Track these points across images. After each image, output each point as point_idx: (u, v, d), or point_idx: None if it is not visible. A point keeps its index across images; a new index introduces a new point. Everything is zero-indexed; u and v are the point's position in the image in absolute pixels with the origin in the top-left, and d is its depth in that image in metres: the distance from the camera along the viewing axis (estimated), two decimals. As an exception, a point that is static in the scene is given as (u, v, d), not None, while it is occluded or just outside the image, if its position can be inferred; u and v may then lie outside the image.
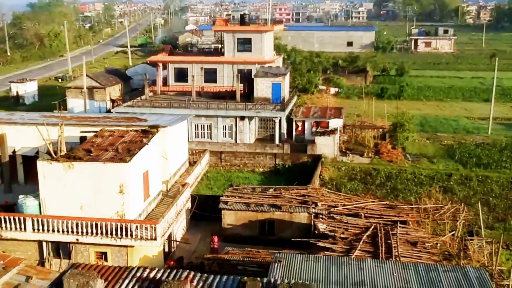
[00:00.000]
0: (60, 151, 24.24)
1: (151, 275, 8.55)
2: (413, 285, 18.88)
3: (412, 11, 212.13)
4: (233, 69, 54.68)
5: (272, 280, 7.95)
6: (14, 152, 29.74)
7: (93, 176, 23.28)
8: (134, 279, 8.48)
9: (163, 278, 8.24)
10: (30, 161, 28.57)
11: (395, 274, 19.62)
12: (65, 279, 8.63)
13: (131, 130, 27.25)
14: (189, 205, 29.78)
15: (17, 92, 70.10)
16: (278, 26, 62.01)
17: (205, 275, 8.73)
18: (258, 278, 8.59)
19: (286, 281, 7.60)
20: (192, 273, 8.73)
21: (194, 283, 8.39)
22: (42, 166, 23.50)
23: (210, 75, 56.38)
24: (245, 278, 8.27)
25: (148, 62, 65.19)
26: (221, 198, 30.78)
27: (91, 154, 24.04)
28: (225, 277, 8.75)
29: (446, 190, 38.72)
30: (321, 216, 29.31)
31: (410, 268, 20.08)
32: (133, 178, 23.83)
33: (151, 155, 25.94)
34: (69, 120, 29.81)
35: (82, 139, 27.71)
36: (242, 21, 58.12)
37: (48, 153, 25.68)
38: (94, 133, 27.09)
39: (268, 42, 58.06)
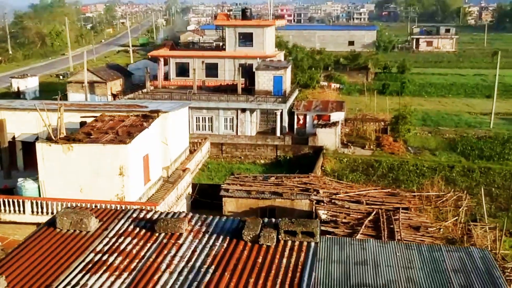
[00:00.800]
0: (60, 133, 24.06)
1: (148, 216, 8.31)
2: (416, 265, 18.62)
3: (413, 12, 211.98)
4: (234, 64, 54.56)
5: (273, 220, 7.76)
6: (13, 138, 29.56)
7: (93, 158, 23.09)
8: (130, 219, 8.25)
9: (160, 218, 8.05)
10: (29, 147, 28.37)
11: (398, 254, 19.38)
12: (58, 216, 8.38)
13: (131, 115, 27.07)
14: (189, 190, 29.60)
15: (18, 88, 70.02)
16: (279, 21, 61.87)
17: (204, 215, 8.53)
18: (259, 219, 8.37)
19: (287, 218, 7.42)
20: (191, 214, 8.51)
21: (193, 222, 8.15)
22: (41, 148, 23.33)
23: (211, 70, 56.31)
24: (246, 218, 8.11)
25: (150, 57, 65.07)
26: (222, 185, 30.61)
27: (91, 137, 23.86)
28: (225, 218, 8.52)
29: (449, 181, 38.43)
30: (322, 203, 29.10)
31: (413, 248, 19.81)
32: (133, 160, 23.65)
33: (151, 139, 25.77)
34: (69, 106, 29.64)
35: (82, 124, 27.53)
36: (244, 15, 58.03)
37: (48, 138, 25.49)
38: (94, 118, 26.93)
39: (270, 37, 57.94)
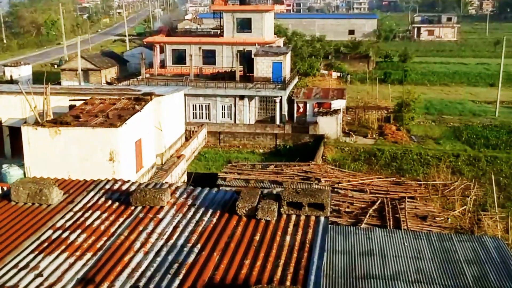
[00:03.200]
0: (47, 116, 22.67)
1: (123, 187, 6.97)
2: (426, 255, 17.33)
3: (413, 2, 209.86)
4: (233, 50, 53.08)
5: (275, 191, 6.47)
6: (0, 123, 28.15)
7: (82, 142, 21.70)
8: (102, 191, 6.92)
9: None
10: (17, 133, 26.96)
11: (406, 244, 18.11)
12: (13, 187, 7.02)
13: (123, 98, 25.65)
14: (184, 178, 28.25)
15: (11, 76, 68.33)
16: (279, 6, 60.24)
17: (191, 187, 7.21)
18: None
19: (292, 187, 6.27)
20: (175, 185, 7.20)
21: (177, 195, 6.78)
22: (27, 132, 21.92)
23: (209, 57, 54.86)
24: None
25: (145, 43, 63.50)
26: (219, 174, 29.36)
27: (80, 120, 22.45)
28: (216, 189, 7.16)
29: (454, 171, 37.15)
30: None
31: (422, 237, 18.50)
32: (124, 145, 22.27)
33: (144, 123, 24.37)
34: (58, 90, 28.21)
35: (72, 108, 26.10)
36: (242, 0, 56.40)
37: (35, 123, 24.09)
38: (84, 101, 25.51)
39: (269, 23, 56.41)
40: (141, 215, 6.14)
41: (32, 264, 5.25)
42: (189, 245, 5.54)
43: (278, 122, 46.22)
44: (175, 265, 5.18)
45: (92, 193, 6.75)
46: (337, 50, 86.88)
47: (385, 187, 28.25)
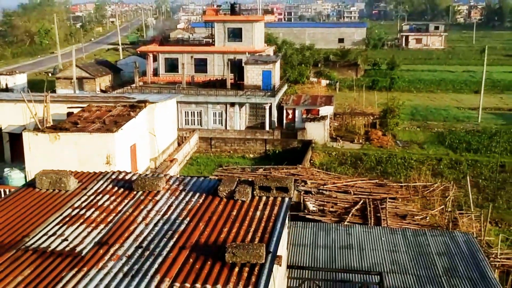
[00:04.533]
0: (46, 123, 23.99)
1: (127, 177, 8.42)
2: (401, 249, 18.79)
3: (403, 11, 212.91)
4: (224, 59, 54.59)
5: (250, 179, 7.86)
6: (0, 129, 29.42)
7: (80, 147, 23.05)
8: (109, 180, 8.35)
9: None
10: (17, 139, 28.25)
11: (383, 238, 19.54)
12: (37, 176, 8.49)
13: (118, 105, 27.03)
14: (177, 182, 29.59)
15: (6, 85, 69.41)
16: (268, 16, 61.95)
17: (183, 176, 8.60)
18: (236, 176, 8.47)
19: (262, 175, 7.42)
20: (169, 175, 8.60)
21: (170, 182, 8.24)
22: (28, 137, 23.26)
23: (201, 65, 56.32)
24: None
25: (139, 52, 64.91)
26: (209, 177, 30.75)
27: (78, 126, 23.81)
28: (203, 178, 8.62)
29: (436, 174, 38.72)
30: (311, 194, 29.22)
31: (398, 233, 19.99)
32: (120, 149, 23.63)
33: (138, 129, 25.75)
34: (56, 97, 29.54)
35: (69, 115, 27.45)
36: (233, 11, 58.01)
37: (36, 128, 25.42)
38: (81, 108, 26.86)
39: (259, 32, 58.02)
40: (141, 198, 7.59)
41: (58, 233, 6.64)
42: (180, 218, 6.98)
43: (267, 128, 47.69)
44: (169, 232, 6.61)
45: (101, 182, 8.16)
46: (327, 58, 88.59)
47: (368, 189, 29.75)
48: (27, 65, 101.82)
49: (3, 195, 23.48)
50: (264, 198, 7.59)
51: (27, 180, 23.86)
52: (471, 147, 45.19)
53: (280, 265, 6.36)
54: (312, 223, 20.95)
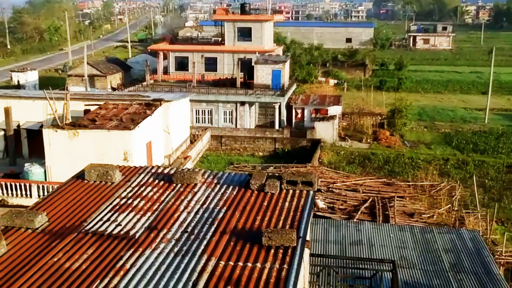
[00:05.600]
0: (65, 120, 24.77)
1: (165, 171, 9.18)
2: (409, 245, 19.46)
3: (411, 11, 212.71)
4: (233, 58, 55.23)
5: (277, 173, 8.55)
6: (18, 126, 30.23)
7: (98, 143, 23.80)
8: (150, 174, 9.10)
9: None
10: (34, 135, 29.06)
11: (391, 235, 20.21)
12: (86, 169, 9.25)
13: (134, 103, 27.79)
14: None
15: (18, 82, 70.40)
16: (278, 15, 62.55)
17: (216, 171, 9.34)
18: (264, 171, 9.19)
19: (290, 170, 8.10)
20: (204, 170, 9.33)
21: (205, 176, 8.99)
22: (48, 134, 24.03)
23: (211, 64, 56.97)
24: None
25: (149, 50, 65.71)
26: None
27: (96, 123, 24.58)
28: (234, 173, 9.36)
29: (443, 174, 39.28)
30: (321, 192, 29.89)
31: (406, 230, 20.67)
32: (137, 146, 24.38)
33: (154, 126, 26.50)
34: (73, 95, 30.33)
35: (86, 112, 28.22)
36: (243, 10, 58.65)
37: (55, 124, 26.20)
38: (98, 106, 27.64)
39: (268, 32, 58.63)
40: (181, 189, 8.37)
41: (112, 219, 7.42)
42: (218, 207, 7.76)
43: (277, 127, 48.38)
44: (210, 219, 7.38)
45: (142, 175, 8.93)
46: (335, 58, 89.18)
47: (376, 187, 30.41)
48: (36, 61, 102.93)
49: (23, 190, 24.37)
50: (291, 191, 8.34)
51: (47, 175, 24.71)
52: (478, 148, 45.74)
53: (309, 249, 7.07)
54: (323, 220, 21.65)
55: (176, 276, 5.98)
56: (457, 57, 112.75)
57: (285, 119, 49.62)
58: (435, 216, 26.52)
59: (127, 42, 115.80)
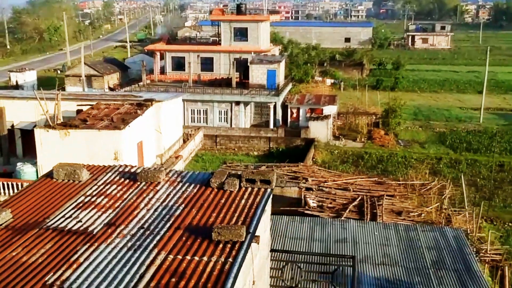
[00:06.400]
0: (57, 120, 25.11)
1: (132, 170, 9.52)
2: (393, 242, 19.76)
3: (411, 10, 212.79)
4: (230, 58, 55.58)
5: (238, 172, 8.92)
6: (12, 126, 30.59)
7: (89, 143, 24.12)
8: (117, 172, 9.43)
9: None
10: (28, 135, 29.41)
11: (376, 233, 20.51)
12: (54, 168, 9.58)
13: (126, 104, 28.13)
14: (182, 177, 30.65)
15: (16, 82, 70.79)
16: (274, 16, 62.87)
17: (181, 170, 9.66)
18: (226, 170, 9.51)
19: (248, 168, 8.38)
20: (169, 169, 9.65)
21: (170, 174, 9.32)
22: (40, 134, 24.36)
23: (207, 64, 57.36)
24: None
25: (146, 51, 66.07)
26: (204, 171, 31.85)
27: (87, 123, 24.91)
28: (198, 171, 9.71)
29: (436, 172, 39.57)
30: (312, 191, 30.16)
31: (390, 228, 20.97)
32: (127, 146, 24.69)
33: (145, 126, 26.82)
34: (66, 95, 30.67)
35: (79, 112, 28.56)
36: (239, 10, 59.00)
37: (47, 124, 26.52)
38: (90, 106, 27.97)
39: (264, 32, 58.95)
40: (144, 187, 8.74)
41: (73, 216, 7.77)
42: (177, 205, 8.13)
43: (272, 126, 48.70)
44: (167, 216, 7.75)
45: (110, 174, 9.28)
46: (333, 57, 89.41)
47: (367, 186, 30.66)
48: (36, 61, 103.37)
49: (15, 189, 24.71)
50: (249, 189, 8.65)
51: (39, 174, 25.03)
52: (471, 147, 45.99)
53: (258, 243, 7.39)
54: (309, 218, 21.95)
55: (125, 269, 6.33)
56: (455, 56, 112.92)
57: (280, 118, 49.93)
58: (423, 215, 26.78)
59: (127, 42, 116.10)
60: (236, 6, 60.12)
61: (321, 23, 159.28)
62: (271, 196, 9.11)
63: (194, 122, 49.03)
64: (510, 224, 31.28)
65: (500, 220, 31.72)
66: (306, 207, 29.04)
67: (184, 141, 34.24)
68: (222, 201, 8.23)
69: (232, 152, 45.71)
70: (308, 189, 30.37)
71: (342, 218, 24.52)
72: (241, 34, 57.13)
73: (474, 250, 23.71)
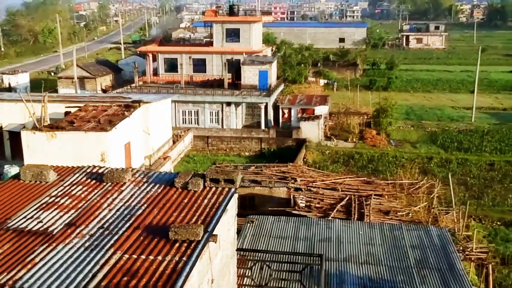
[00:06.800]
0: (44, 122, 25.10)
1: (100, 171, 9.58)
2: (377, 241, 19.82)
3: (406, 10, 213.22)
4: (222, 59, 55.62)
5: (204, 172, 8.97)
6: (1, 128, 30.54)
7: (75, 145, 24.08)
8: (84, 173, 9.49)
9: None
10: (17, 137, 29.34)
11: (361, 232, 20.57)
12: (21, 170, 9.62)
13: (114, 105, 28.12)
14: (171, 178, 30.66)
15: (9, 84, 70.68)
16: (266, 17, 62.94)
17: (148, 171, 9.73)
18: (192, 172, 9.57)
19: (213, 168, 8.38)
20: (136, 169, 9.71)
21: (136, 175, 9.37)
22: (26, 136, 24.31)
23: (200, 65, 57.42)
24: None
25: (139, 52, 66.10)
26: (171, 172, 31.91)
27: (74, 125, 24.90)
28: (165, 172, 9.77)
29: (426, 172, 39.70)
30: (301, 191, 30.21)
31: (375, 227, 21.03)
32: (114, 148, 24.68)
33: (132, 127, 26.80)
34: (55, 97, 30.68)
35: (67, 114, 28.54)
36: (231, 11, 59.07)
37: (33, 127, 26.50)
38: (78, 108, 27.96)
39: (257, 33, 59.03)
40: (109, 188, 8.81)
41: (35, 216, 7.83)
42: (139, 204, 8.20)
43: (263, 127, 48.76)
44: (128, 216, 7.81)
45: (77, 175, 9.35)
46: (326, 58, 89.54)
47: (356, 186, 30.71)
48: (30, 64, 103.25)
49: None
50: (213, 189, 8.71)
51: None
52: (462, 146, 46.15)
53: (215, 242, 7.44)
54: (295, 218, 22.02)
55: (79, 269, 6.39)
56: (449, 56, 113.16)
57: (272, 119, 50.00)
58: (410, 214, 26.86)
59: (121, 44, 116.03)
60: (228, 7, 60.15)
61: (315, 24, 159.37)
62: (235, 196, 9.17)
63: (185, 123, 49.07)
64: (498, 223, 31.42)
65: (488, 219, 31.85)
66: (296, 207, 29.13)
67: (174, 142, 34.26)
68: (185, 200, 8.28)
69: (224, 153, 45.79)
70: (297, 189, 30.43)
71: (329, 218, 24.57)
72: (233, 35, 57.22)
73: (461, 248, 23.87)
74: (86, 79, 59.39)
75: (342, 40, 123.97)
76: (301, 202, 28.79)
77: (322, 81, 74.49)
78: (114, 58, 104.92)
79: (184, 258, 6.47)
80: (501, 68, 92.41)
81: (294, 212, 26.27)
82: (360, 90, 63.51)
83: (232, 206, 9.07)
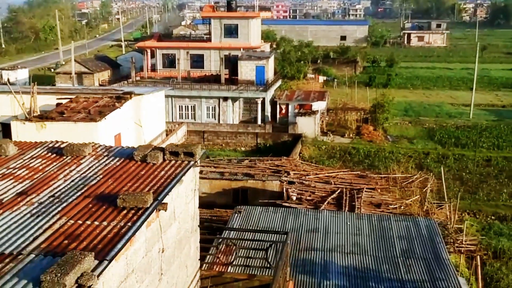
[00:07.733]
0: (34, 112, 25.08)
1: (62, 146, 9.51)
2: (365, 232, 19.69)
3: (408, 9, 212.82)
4: (220, 55, 55.55)
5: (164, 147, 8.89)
6: (-7, 119, 30.56)
7: (65, 135, 23.86)
8: (46, 148, 9.42)
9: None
10: (8, 128, 29.37)
11: (349, 223, 20.45)
12: None
13: (105, 97, 28.09)
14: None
15: (8, 79, 70.76)
16: (264, 12, 62.81)
17: (111, 145, 9.66)
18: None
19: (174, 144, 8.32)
20: (98, 144, 9.64)
21: (98, 149, 9.30)
22: (16, 126, 24.34)
23: (198, 61, 57.38)
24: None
25: (137, 48, 66.09)
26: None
27: (64, 116, 24.87)
28: (127, 147, 9.68)
29: (422, 167, 39.52)
30: (294, 185, 30.09)
31: (364, 218, 20.90)
32: (104, 138, 24.60)
33: (123, 119, 26.78)
34: (46, 90, 30.66)
35: (58, 105, 28.52)
36: (229, 7, 58.96)
37: (24, 118, 26.51)
38: (70, 99, 27.94)
39: (255, 28, 58.90)
40: (68, 161, 8.75)
41: (-12, 187, 7.81)
42: (95, 175, 8.14)
43: (259, 122, 48.64)
44: (81, 185, 7.78)
45: (39, 149, 9.30)
46: (326, 55, 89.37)
47: (349, 180, 30.56)
48: (31, 60, 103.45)
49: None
50: (173, 162, 8.62)
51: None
52: (459, 142, 45.94)
53: (165, 210, 7.35)
54: (283, 209, 21.91)
55: (22, 233, 6.32)
56: (450, 54, 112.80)
57: (269, 114, 49.86)
58: (402, 207, 26.70)
59: (122, 41, 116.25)
60: (226, 3, 60.04)
61: (317, 22, 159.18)
62: (196, 169, 9.07)
63: (182, 118, 48.98)
64: (492, 217, 31.26)
65: (483, 213, 31.69)
66: (289, 200, 29.01)
67: (167, 135, 34.21)
68: (142, 172, 8.20)
69: (220, 148, 45.67)
70: (290, 182, 30.31)
71: (319, 210, 24.44)
72: (231, 31, 57.13)
73: (451, 241, 23.72)
74: (84, 75, 59.45)
75: (343, 38, 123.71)
76: (293, 195, 28.67)
77: (321, 78, 74.32)
78: (115, 55, 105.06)
79: (129, 224, 6.40)
80: (501, 66, 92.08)
81: (284, 204, 26.13)
82: (359, 87, 63.29)
83: (192, 180, 8.97)
